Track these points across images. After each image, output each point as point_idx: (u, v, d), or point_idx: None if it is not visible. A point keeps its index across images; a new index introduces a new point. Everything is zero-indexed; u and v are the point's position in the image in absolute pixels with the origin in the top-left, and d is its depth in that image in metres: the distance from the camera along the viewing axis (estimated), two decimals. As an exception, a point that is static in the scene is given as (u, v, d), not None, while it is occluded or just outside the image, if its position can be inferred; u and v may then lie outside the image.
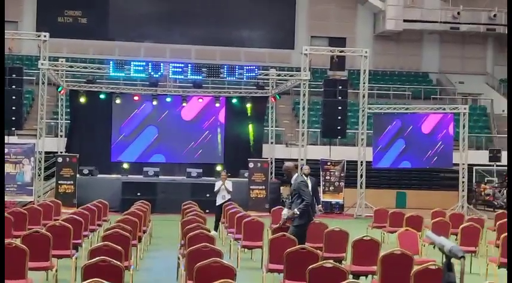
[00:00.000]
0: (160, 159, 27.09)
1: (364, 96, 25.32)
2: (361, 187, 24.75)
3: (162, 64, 24.22)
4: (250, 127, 27.24)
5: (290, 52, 35.97)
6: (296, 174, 11.14)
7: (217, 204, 17.43)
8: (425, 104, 30.52)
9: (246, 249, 12.36)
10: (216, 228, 17.29)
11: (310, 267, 7.18)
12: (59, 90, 25.95)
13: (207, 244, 8.17)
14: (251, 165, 24.29)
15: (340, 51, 26.97)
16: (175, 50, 34.78)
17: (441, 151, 25.18)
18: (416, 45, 37.74)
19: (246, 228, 11.80)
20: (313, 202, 13.66)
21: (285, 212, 10.96)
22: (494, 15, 35.58)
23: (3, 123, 19.65)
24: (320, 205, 15.23)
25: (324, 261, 7.49)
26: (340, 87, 25.00)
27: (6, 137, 23.91)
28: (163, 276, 11.51)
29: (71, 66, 25.15)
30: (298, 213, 10.57)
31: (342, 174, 25.08)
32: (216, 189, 17.52)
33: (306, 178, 13.69)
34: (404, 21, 35.20)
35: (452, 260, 3.53)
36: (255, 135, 27.45)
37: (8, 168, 22.88)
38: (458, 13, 35.41)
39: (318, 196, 14.92)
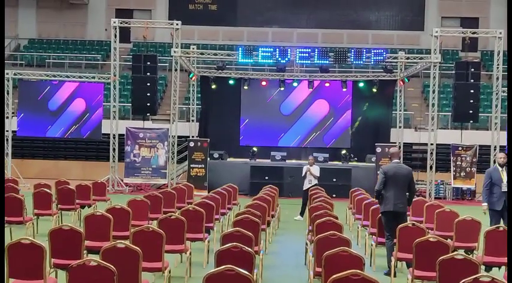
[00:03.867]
0: (288, 144, 27.40)
1: (498, 79, 24.36)
2: (494, 173, 23.85)
3: (289, 49, 24.37)
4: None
5: (419, 33, 35.08)
6: (394, 160, 10.70)
7: (303, 189, 17.52)
8: None
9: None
10: (302, 213, 17.36)
11: (440, 258, 7.08)
12: (190, 76, 26.78)
13: (335, 232, 8.22)
14: (378, 150, 24.04)
15: (473, 33, 25.98)
16: (302, 34, 34.88)
17: None
18: (556, 23, 35.71)
19: (381, 223, 10.70)
20: None
21: None
22: None
23: (3, 120, 20.41)
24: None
25: (455, 253, 7.35)
26: (472, 69, 24.16)
27: (141, 122, 25.05)
28: (292, 261, 11.71)
29: (201, 53, 25.88)
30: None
31: (474, 160, 24.28)
32: (303, 173, 17.55)
33: (500, 169, 11.68)
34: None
35: None
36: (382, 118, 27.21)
37: (144, 152, 24.00)
38: None
39: None
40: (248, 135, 27.64)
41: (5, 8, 14.79)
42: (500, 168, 11.77)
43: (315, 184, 17.33)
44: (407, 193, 10.61)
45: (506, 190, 11.40)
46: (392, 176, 10.43)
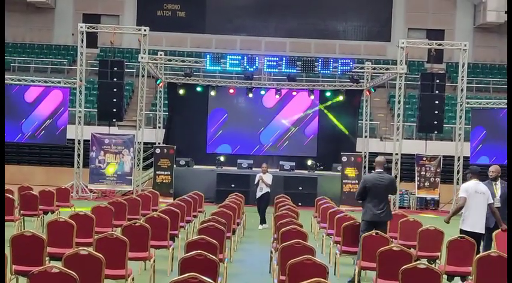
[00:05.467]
0: (254, 152, 27.42)
1: (462, 90, 24.74)
2: (457, 183, 24.21)
3: (257, 58, 24.44)
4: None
5: (386, 44, 35.44)
6: (377, 169, 10.73)
7: (257, 197, 17.59)
8: (527, 99, 29.38)
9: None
10: (262, 221, 17.36)
11: (403, 267, 7.15)
12: (157, 82, 26.68)
13: (300, 240, 8.25)
14: (344, 159, 24.18)
15: (438, 44, 26.35)
16: (270, 42, 34.99)
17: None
18: (519, 37, 36.30)
19: (346, 232, 10.76)
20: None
21: None
22: None
23: (3, 121, 20.23)
24: None
25: (418, 262, 7.43)
26: (437, 80, 24.49)
27: (107, 128, 24.85)
28: (257, 269, 11.70)
29: (169, 60, 25.80)
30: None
31: (438, 170, 24.57)
32: (255, 181, 17.56)
33: (494, 182, 11.15)
34: (507, 12, 33.98)
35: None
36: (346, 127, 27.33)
37: (109, 158, 23.79)
38: None
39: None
40: (215, 143, 27.61)
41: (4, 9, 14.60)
42: (493, 182, 11.26)
43: (267, 192, 17.35)
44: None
45: (500, 205, 10.94)
46: (372, 186, 10.50)
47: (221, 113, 27.48)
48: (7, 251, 7.30)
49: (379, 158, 11.09)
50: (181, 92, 26.58)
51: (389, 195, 10.82)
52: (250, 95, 26.74)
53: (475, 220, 10.28)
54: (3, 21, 15.55)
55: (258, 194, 17.43)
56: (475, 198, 10.30)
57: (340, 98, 26.59)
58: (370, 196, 10.50)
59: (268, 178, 17.40)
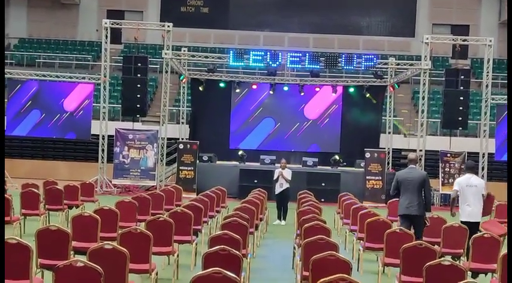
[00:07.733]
0: (277, 147, 27.37)
1: (487, 86, 24.50)
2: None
3: (280, 53, 24.41)
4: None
5: (410, 40, 35.20)
6: (410, 165, 10.96)
7: (276, 193, 17.51)
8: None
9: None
10: (280, 217, 17.34)
11: (427, 264, 7.10)
12: (181, 78, 26.76)
13: (323, 236, 8.23)
14: (368, 155, 24.08)
15: (463, 40, 26.09)
16: (293, 38, 34.92)
17: None
18: (545, 32, 35.84)
19: (369, 228, 10.68)
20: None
21: None
22: None
23: (3, 120, 20.36)
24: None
25: (442, 259, 7.38)
26: (462, 76, 24.29)
27: (131, 123, 25.00)
28: (279, 264, 11.72)
29: (192, 56, 25.84)
30: None
31: (463, 166, 24.32)
32: (275, 177, 17.47)
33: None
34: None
35: None
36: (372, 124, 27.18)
37: (133, 154, 23.94)
38: None
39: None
40: (238, 138, 27.63)
41: (4, 7, 14.73)
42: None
43: (287, 188, 17.30)
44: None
45: None
46: (403, 181, 10.81)
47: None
48: (33, 245, 7.38)
49: (411, 155, 11.44)
50: (202, 88, 26.59)
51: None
52: (272, 91, 26.70)
53: (471, 210, 11.22)
54: (3, 20, 15.71)
55: (278, 190, 17.40)
56: (467, 191, 11.27)
57: (367, 96, 26.40)
58: (402, 191, 10.81)
59: (287, 173, 17.36)
